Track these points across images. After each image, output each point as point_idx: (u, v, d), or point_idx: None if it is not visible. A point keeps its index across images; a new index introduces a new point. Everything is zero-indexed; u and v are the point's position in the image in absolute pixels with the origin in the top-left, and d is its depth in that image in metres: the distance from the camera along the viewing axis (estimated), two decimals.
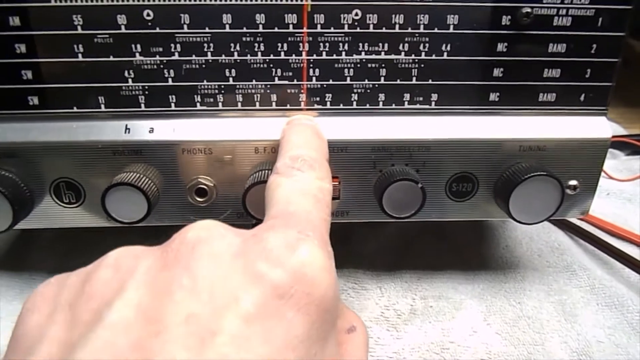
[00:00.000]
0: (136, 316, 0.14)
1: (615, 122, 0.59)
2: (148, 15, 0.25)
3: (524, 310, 0.30)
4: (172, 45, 0.25)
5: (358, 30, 0.25)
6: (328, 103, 0.27)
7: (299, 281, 0.15)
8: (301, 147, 0.23)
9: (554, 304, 0.31)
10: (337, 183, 0.27)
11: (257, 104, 0.27)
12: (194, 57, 0.25)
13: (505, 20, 0.26)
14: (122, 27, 0.25)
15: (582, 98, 0.28)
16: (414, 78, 0.26)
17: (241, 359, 0.13)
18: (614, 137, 0.51)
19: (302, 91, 0.26)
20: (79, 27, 0.25)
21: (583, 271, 0.33)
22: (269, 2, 0.25)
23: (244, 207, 0.26)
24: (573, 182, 0.28)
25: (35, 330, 0.16)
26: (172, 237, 0.17)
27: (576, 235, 0.37)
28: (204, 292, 0.14)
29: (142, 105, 0.26)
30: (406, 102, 0.27)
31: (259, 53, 0.26)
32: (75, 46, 0.25)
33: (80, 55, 0.25)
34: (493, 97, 0.27)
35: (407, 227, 0.36)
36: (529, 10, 0.25)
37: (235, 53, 0.25)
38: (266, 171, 0.26)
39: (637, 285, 0.33)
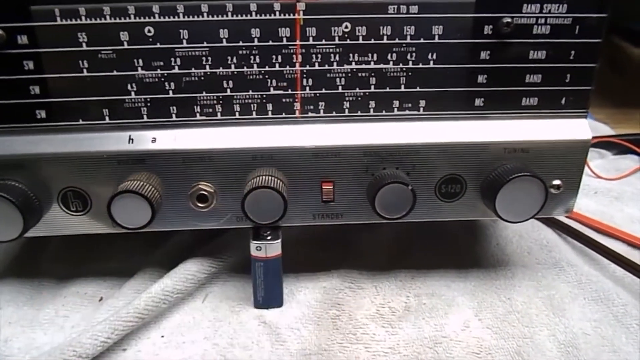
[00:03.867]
0: None
1: (603, 122, 0.60)
2: (149, 31, 0.26)
3: (514, 306, 0.31)
4: (172, 59, 0.27)
5: (348, 41, 0.27)
6: (321, 111, 0.28)
7: None
8: None
9: (543, 299, 0.32)
10: (331, 187, 0.29)
11: (254, 113, 0.28)
12: (193, 70, 0.27)
13: (487, 29, 0.27)
14: (125, 43, 0.26)
15: (563, 102, 0.29)
16: (403, 86, 0.28)
17: None
18: (601, 137, 0.53)
19: (296, 100, 0.28)
20: (83, 44, 0.26)
21: (570, 267, 0.35)
22: (263, 17, 0.26)
23: (243, 211, 0.27)
24: (556, 182, 0.30)
25: None
26: None
27: (564, 233, 0.38)
28: None
29: (145, 116, 0.28)
30: (395, 109, 0.28)
31: (255, 65, 0.27)
32: (80, 62, 0.26)
33: (85, 70, 0.27)
34: (478, 102, 0.28)
35: (401, 228, 0.37)
36: (509, 19, 0.27)
37: (232, 65, 0.27)
38: (264, 177, 0.27)
39: (622, 280, 0.34)
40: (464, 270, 0.34)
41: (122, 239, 0.35)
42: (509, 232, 0.38)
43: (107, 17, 0.26)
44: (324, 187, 0.29)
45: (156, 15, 0.26)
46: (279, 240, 0.29)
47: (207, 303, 0.31)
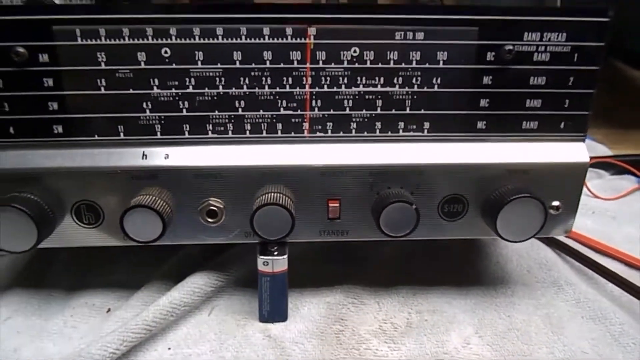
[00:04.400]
0: None
1: (601, 143, 0.61)
2: (165, 52, 0.27)
3: (514, 323, 0.32)
4: (187, 79, 0.28)
5: (356, 65, 0.28)
6: (329, 131, 0.29)
7: None
8: None
9: (542, 317, 0.33)
10: (337, 204, 0.30)
11: (264, 132, 0.29)
12: (206, 90, 0.28)
13: (490, 56, 0.28)
14: (142, 63, 0.27)
15: (562, 126, 0.30)
16: (408, 108, 0.29)
17: None
18: (599, 157, 0.54)
19: (305, 120, 0.29)
20: (102, 63, 0.27)
21: (569, 286, 0.35)
22: (275, 41, 0.27)
23: (251, 227, 0.28)
24: (556, 203, 0.30)
25: None
26: None
27: (563, 252, 0.39)
28: None
29: (158, 133, 0.29)
30: (401, 130, 0.29)
31: (266, 86, 0.28)
32: (98, 80, 0.27)
33: (102, 88, 0.28)
34: (480, 125, 0.30)
35: (404, 245, 0.38)
36: (511, 47, 0.28)
37: (245, 86, 0.28)
38: (272, 194, 0.28)
39: (619, 299, 0.35)
40: (464, 287, 0.35)
41: (129, 251, 0.35)
42: (509, 250, 0.39)
43: (126, 37, 0.27)
44: (330, 204, 0.30)
45: (173, 37, 0.27)
46: (286, 256, 0.30)
47: (213, 316, 0.32)
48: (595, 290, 0.35)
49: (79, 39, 0.27)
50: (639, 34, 0.90)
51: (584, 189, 0.49)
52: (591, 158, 0.54)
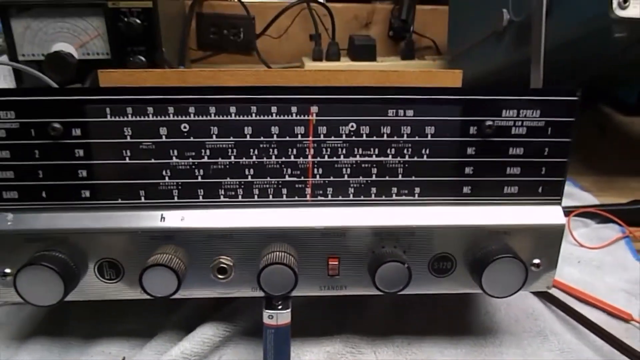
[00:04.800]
0: None
1: (587, 190, 0.64)
2: (184, 127, 0.31)
3: None
4: (203, 150, 0.31)
5: (354, 138, 0.31)
6: (329, 195, 0.32)
7: None
8: None
9: None
10: (336, 262, 0.32)
11: (271, 196, 0.32)
12: (220, 160, 0.31)
13: (473, 130, 0.32)
14: (163, 136, 0.31)
15: (539, 190, 0.33)
16: (400, 175, 0.32)
17: None
18: (584, 207, 0.57)
19: (307, 186, 0.32)
20: (128, 137, 0.31)
21: (554, 336, 0.38)
22: (282, 118, 0.31)
23: (258, 284, 0.31)
24: (536, 261, 0.33)
25: None
26: None
27: (549, 302, 0.42)
28: None
29: (175, 197, 0.32)
30: (394, 195, 0.32)
31: (273, 156, 0.31)
32: (124, 151, 0.31)
33: (127, 158, 0.31)
34: (465, 190, 0.33)
35: (397, 297, 0.40)
36: (491, 122, 0.31)
37: (254, 156, 0.31)
38: (277, 253, 0.31)
39: (601, 349, 0.37)
40: (455, 337, 0.37)
41: (140, 302, 0.38)
42: (497, 301, 0.41)
43: (150, 115, 0.30)
44: (330, 262, 0.32)
45: (191, 115, 0.30)
46: (289, 310, 0.32)
47: None
48: (578, 340, 0.38)
49: (108, 116, 0.30)
50: (627, 85, 0.95)
51: (570, 237, 0.52)
52: (576, 208, 0.58)
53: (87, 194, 0.31)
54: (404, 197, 0.33)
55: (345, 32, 1.02)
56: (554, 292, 0.43)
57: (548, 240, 0.33)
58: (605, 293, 0.44)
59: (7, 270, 0.32)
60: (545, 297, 0.42)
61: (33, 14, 0.70)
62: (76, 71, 0.69)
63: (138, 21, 0.69)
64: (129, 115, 0.30)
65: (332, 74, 0.39)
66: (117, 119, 0.30)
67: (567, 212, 0.53)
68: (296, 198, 0.32)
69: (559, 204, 0.34)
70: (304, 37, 1.04)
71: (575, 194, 0.63)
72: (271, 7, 1.04)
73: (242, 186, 0.32)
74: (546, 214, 0.33)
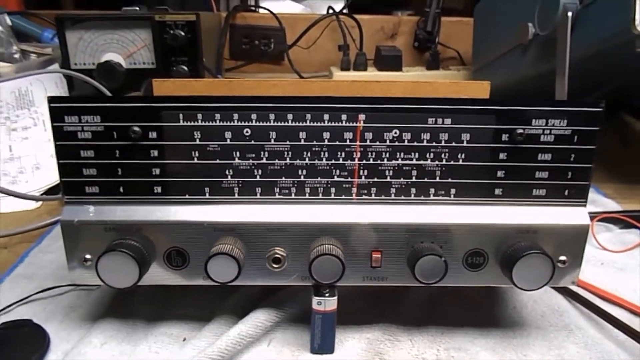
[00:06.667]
0: None
1: (611, 198, 0.67)
2: (247, 132, 0.35)
3: None
4: (262, 152, 0.35)
5: (396, 143, 0.35)
6: (373, 195, 0.36)
7: None
8: None
9: (554, 357, 0.38)
10: (379, 255, 0.36)
11: (320, 194, 0.36)
12: (276, 161, 0.35)
13: (505, 137, 0.35)
14: (228, 139, 0.35)
15: (566, 193, 0.36)
16: (438, 177, 0.36)
17: None
18: (608, 212, 0.59)
19: (354, 186, 0.36)
20: (197, 139, 0.35)
21: (579, 330, 0.40)
22: (333, 124, 0.34)
23: (309, 273, 0.34)
24: (562, 257, 0.36)
25: None
26: None
27: (574, 300, 0.44)
28: None
29: (236, 194, 0.36)
30: (431, 195, 0.36)
31: (324, 159, 0.35)
32: (193, 152, 0.35)
33: (195, 158, 0.35)
34: (497, 191, 0.36)
35: (432, 291, 0.43)
36: (522, 130, 0.35)
37: (307, 159, 0.35)
38: (327, 245, 0.34)
39: (623, 343, 0.39)
40: (485, 328, 0.40)
41: (198, 289, 0.42)
42: (524, 297, 0.44)
43: (217, 120, 0.34)
44: (373, 255, 0.36)
45: (253, 121, 0.34)
46: (336, 297, 0.36)
47: (271, 347, 0.38)
48: (602, 335, 0.40)
49: (181, 121, 0.34)
50: None
51: (594, 241, 0.54)
52: (601, 213, 0.60)
53: (159, 189, 0.36)
54: (440, 198, 0.36)
55: (372, 43, 1.06)
56: (579, 291, 0.45)
57: (573, 239, 0.36)
58: (627, 293, 0.46)
59: (88, 256, 0.36)
60: (570, 294, 0.44)
61: (86, 26, 0.75)
62: (124, 79, 0.74)
63: (182, 33, 0.74)
64: (199, 121, 0.34)
65: (365, 84, 0.43)
66: (188, 123, 0.34)
67: (591, 217, 0.55)
68: (343, 197, 0.36)
69: (584, 205, 0.36)
70: (331, 48, 1.08)
71: (598, 201, 0.65)
72: (300, 19, 1.09)
73: (295, 185, 0.36)
74: (572, 215, 0.36)
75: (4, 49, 0.84)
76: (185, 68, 0.76)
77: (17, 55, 0.85)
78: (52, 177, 0.66)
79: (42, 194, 0.63)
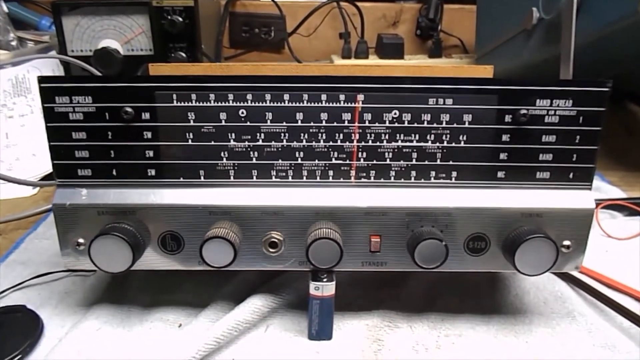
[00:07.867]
0: None
1: (616, 185, 0.66)
2: (242, 113, 0.34)
3: (531, 349, 0.36)
4: (258, 134, 0.34)
5: (396, 124, 0.34)
6: (372, 178, 0.35)
7: None
8: None
9: (557, 343, 0.37)
10: (378, 239, 0.35)
11: (318, 177, 0.35)
12: (273, 143, 0.34)
13: (508, 118, 0.34)
14: (223, 121, 0.34)
15: (570, 176, 0.35)
16: (438, 160, 0.35)
17: None
18: (611, 200, 0.58)
19: (352, 169, 0.35)
20: (191, 121, 0.34)
21: (581, 317, 0.39)
22: (330, 105, 0.33)
23: (306, 257, 0.34)
24: (566, 242, 0.35)
25: None
26: None
27: (577, 286, 0.43)
28: None
29: (232, 177, 0.35)
30: (432, 178, 0.35)
31: (321, 140, 0.34)
32: (187, 134, 0.34)
33: (190, 140, 0.34)
34: (500, 174, 0.35)
35: (431, 277, 0.43)
36: (525, 111, 0.34)
37: (304, 140, 0.34)
38: (324, 229, 0.34)
39: (628, 330, 0.38)
40: (487, 315, 0.39)
41: (193, 275, 0.41)
42: (526, 283, 0.43)
43: (212, 101, 0.33)
44: (372, 239, 0.35)
45: (249, 101, 0.33)
46: (334, 282, 0.35)
47: (268, 333, 0.37)
48: (606, 321, 0.39)
49: (174, 101, 0.33)
50: None
51: (598, 228, 0.53)
52: (603, 200, 0.59)
53: (153, 172, 0.35)
54: (441, 180, 0.35)
55: (374, 31, 1.04)
56: (582, 277, 0.44)
57: (578, 223, 0.35)
58: (631, 280, 0.45)
59: (81, 240, 0.35)
60: (573, 281, 0.44)
61: (82, 12, 0.74)
62: (121, 66, 0.73)
63: (180, 19, 0.73)
64: (193, 101, 0.33)
65: (366, 69, 0.42)
66: (182, 104, 0.33)
67: (596, 204, 0.54)
68: (341, 179, 0.35)
69: (589, 189, 0.36)
70: (332, 36, 1.06)
71: (602, 188, 0.64)
72: (301, 7, 1.07)
73: (293, 168, 0.35)
74: (577, 198, 0.35)
75: (0, 37, 0.83)
76: (184, 54, 0.75)
77: (14, 43, 0.84)
78: (48, 164, 0.65)
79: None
